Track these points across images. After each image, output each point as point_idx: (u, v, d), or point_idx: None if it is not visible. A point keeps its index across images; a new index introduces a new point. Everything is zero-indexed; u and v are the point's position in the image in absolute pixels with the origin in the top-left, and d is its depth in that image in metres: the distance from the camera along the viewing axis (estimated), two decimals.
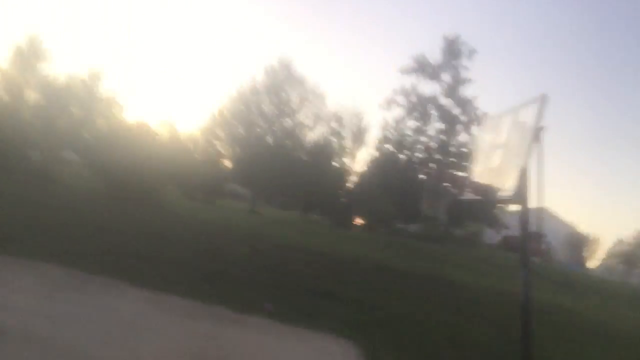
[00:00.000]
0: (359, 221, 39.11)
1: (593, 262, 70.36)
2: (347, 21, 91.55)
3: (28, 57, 23.22)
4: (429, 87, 34.12)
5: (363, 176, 36.10)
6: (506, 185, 4.78)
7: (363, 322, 7.29)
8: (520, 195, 4.44)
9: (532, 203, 4.68)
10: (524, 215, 4.57)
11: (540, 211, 5.08)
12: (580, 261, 55.27)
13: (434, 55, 33.52)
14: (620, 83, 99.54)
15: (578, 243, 55.61)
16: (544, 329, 10.34)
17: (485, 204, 33.71)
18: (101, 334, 5.65)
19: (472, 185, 5.35)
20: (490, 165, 5.31)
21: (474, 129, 30.92)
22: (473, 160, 5.90)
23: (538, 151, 4.75)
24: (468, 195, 5.57)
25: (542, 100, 4.54)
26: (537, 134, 4.60)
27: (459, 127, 33.28)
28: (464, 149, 32.14)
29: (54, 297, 5.80)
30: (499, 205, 5.58)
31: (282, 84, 31.85)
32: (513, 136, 5.05)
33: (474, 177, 5.52)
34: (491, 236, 38.59)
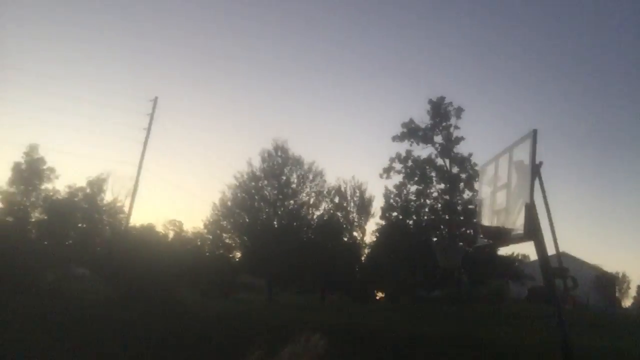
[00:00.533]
0: (379, 294, 38.22)
1: (626, 301, 68.04)
2: (334, 96, 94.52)
3: (30, 177, 23.81)
4: (423, 151, 34.52)
5: (373, 247, 35.75)
6: (516, 224, 4.73)
7: None
8: (531, 231, 4.38)
9: (546, 239, 4.62)
10: (541, 251, 4.49)
11: (559, 252, 4.97)
12: (613, 302, 53.38)
13: (423, 119, 34.26)
14: (627, 107, 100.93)
15: (608, 284, 53.96)
16: None
17: (503, 261, 33.22)
18: None
19: (483, 230, 5.29)
20: (497, 208, 5.28)
21: (476, 184, 31.00)
22: (479, 206, 5.88)
23: (540, 186, 4.76)
24: (480, 242, 5.50)
25: (534, 136, 4.59)
26: (535, 169, 4.62)
27: (460, 185, 33.35)
28: (470, 206, 32.03)
29: None
30: (512, 244, 5.51)
31: (280, 166, 32.29)
32: (513, 175, 5.07)
33: (483, 222, 5.47)
34: (517, 290, 37.57)
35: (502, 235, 4.94)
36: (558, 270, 4.84)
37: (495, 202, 5.40)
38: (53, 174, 27.05)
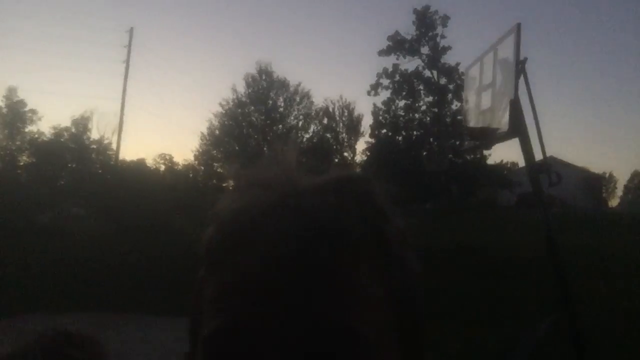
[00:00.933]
0: None
1: (614, 200, 70.05)
2: (316, 13, 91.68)
3: (12, 121, 23.41)
4: (410, 64, 33.99)
5: (364, 166, 36.09)
6: (501, 122, 4.71)
7: None
8: (515, 127, 4.36)
9: (531, 136, 4.62)
10: (526, 146, 4.49)
11: (544, 148, 4.97)
12: (601, 201, 54.93)
13: (409, 30, 33.48)
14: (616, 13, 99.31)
15: (594, 184, 55.25)
16: (578, 270, 10.24)
17: (492, 170, 33.68)
18: None
19: (469, 131, 5.29)
20: (482, 109, 5.24)
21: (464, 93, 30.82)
22: (465, 108, 5.84)
23: (525, 82, 4.70)
24: (467, 144, 5.51)
25: (517, 30, 4.47)
26: (519, 65, 4.54)
27: (449, 95, 33.16)
28: (459, 117, 32.05)
29: None
30: (497, 142, 5.54)
31: (265, 90, 31.84)
32: (498, 74, 4.98)
33: (469, 124, 5.45)
34: (507, 197, 38.42)
35: (488, 135, 4.94)
36: (542, 166, 4.87)
37: (481, 102, 5.35)
38: (36, 115, 26.63)
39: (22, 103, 26.19)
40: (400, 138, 34.41)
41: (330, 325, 0.42)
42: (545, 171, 4.85)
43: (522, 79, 4.67)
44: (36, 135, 23.45)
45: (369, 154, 35.72)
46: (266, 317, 0.42)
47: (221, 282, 0.46)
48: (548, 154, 5.01)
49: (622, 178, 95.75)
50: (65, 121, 26.32)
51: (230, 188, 0.53)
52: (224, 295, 0.45)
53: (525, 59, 4.69)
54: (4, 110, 25.26)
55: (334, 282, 0.43)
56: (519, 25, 4.44)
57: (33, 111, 26.47)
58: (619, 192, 73.64)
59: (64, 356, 0.69)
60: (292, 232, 0.44)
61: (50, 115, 65.49)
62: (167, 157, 29.25)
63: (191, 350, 0.50)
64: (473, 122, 5.41)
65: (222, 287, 0.45)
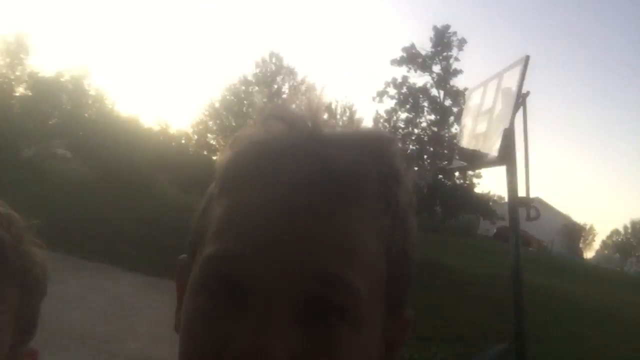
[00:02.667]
0: None
1: (589, 252, 70.86)
2: (336, 15, 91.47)
3: (16, 51, 23.10)
4: (420, 79, 34.02)
5: None
6: (492, 148, 4.79)
7: None
8: (505, 156, 4.44)
9: (519, 165, 4.70)
10: (511, 176, 4.58)
11: (529, 181, 5.05)
12: (576, 250, 55.52)
13: (425, 45, 33.52)
14: (614, 71, 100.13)
15: (574, 232, 55.84)
16: (540, 309, 10.41)
17: (479, 198, 33.90)
18: (99, 312, 5.68)
19: (459, 151, 5.37)
20: (477, 132, 5.33)
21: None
22: (460, 128, 5.93)
23: (523, 116, 4.78)
24: (456, 163, 5.60)
25: (525, 62, 4.54)
26: (520, 97, 4.61)
27: (450, 118, 33.29)
28: (456, 141, 32.15)
29: (52, 281, 5.87)
30: (485, 167, 5.55)
31: (273, 74, 31.75)
32: (498, 102, 5.06)
33: (462, 144, 5.54)
34: (487, 227, 38.70)
35: (477, 158, 5.02)
36: (524, 199, 4.94)
37: (477, 126, 5.43)
38: (38, 49, 26.31)
39: (29, 36, 25.97)
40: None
41: (326, 274, 0.43)
42: (525, 205, 4.94)
43: (520, 112, 4.76)
44: (37, 70, 23.23)
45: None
46: (268, 250, 0.42)
47: (231, 208, 0.46)
48: (534, 195, 5.10)
49: (601, 233, 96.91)
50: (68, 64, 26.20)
51: (254, 118, 0.52)
52: (231, 222, 0.45)
53: (528, 93, 4.76)
54: (11, 39, 25.00)
55: (337, 233, 0.44)
56: (527, 58, 4.51)
57: (36, 45, 26.24)
58: (596, 245, 74.50)
59: None
60: (308, 177, 0.44)
61: (52, 62, 65.05)
62: (162, 120, 29.11)
63: (187, 260, 0.51)
64: (466, 143, 5.49)
65: (231, 213, 0.46)
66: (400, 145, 0.52)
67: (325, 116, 0.50)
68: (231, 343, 0.42)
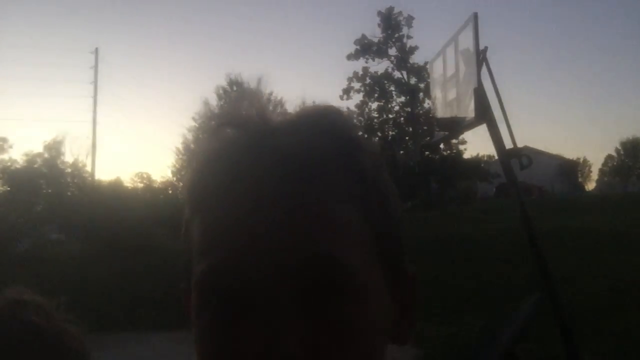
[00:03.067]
0: None
1: (590, 184, 71.37)
2: (284, 21, 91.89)
3: None
4: (379, 66, 34.25)
5: None
6: (468, 111, 4.84)
7: None
8: (482, 114, 4.49)
9: (498, 120, 4.74)
10: (494, 131, 4.61)
11: (511, 132, 5.08)
12: (578, 186, 55.90)
13: (375, 33, 33.76)
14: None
15: (570, 170, 56.23)
16: (558, 251, 10.45)
17: (470, 163, 34.09)
18: None
19: (438, 123, 5.41)
20: (449, 100, 5.37)
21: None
22: (432, 101, 5.96)
23: (488, 71, 4.83)
24: (437, 135, 5.63)
25: (475, 20, 4.60)
26: (480, 54, 4.67)
27: (420, 95, 33.49)
28: (431, 114, 32.34)
29: None
30: (466, 130, 5.57)
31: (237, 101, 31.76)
32: (460, 64, 5.11)
33: (437, 115, 5.58)
34: (485, 188, 38.88)
35: (456, 124, 5.06)
36: (512, 150, 4.98)
37: (447, 94, 5.48)
38: (6, 143, 26.09)
39: None
40: (376, 139, 34.64)
41: (315, 258, 0.43)
42: (515, 155, 4.97)
43: (484, 68, 4.81)
44: (8, 164, 23.08)
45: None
46: (253, 256, 0.43)
47: (206, 224, 0.46)
48: (522, 144, 5.13)
49: (596, 162, 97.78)
50: (37, 147, 26.03)
51: (204, 130, 0.54)
52: (212, 236, 0.46)
53: (486, 48, 4.82)
54: None
55: (313, 216, 0.44)
56: (475, 15, 4.57)
57: (3, 139, 26.03)
58: (595, 175, 75.06)
59: (21, 322, 0.69)
60: (269, 172, 0.45)
61: (22, 142, 64.53)
62: (145, 176, 29.03)
63: (186, 286, 0.51)
64: (441, 113, 5.54)
65: (209, 228, 0.46)
66: (348, 114, 0.53)
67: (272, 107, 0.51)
68: (243, 352, 0.42)
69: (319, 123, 0.49)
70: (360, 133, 0.52)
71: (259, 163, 0.45)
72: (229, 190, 0.45)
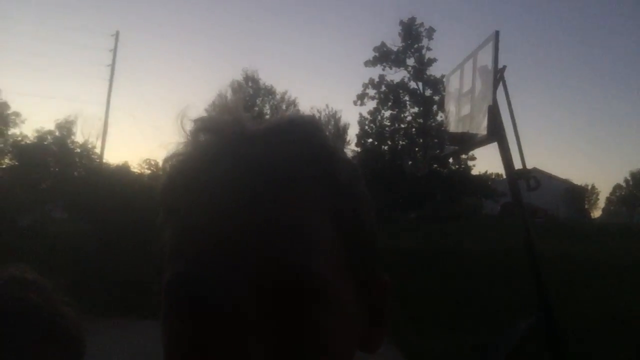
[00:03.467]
0: None
1: (596, 212, 70.97)
2: (304, 24, 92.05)
3: None
4: (396, 75, 34.32)
5: None
6: (480, 128, 4.82)
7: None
8: (494, 132, 4.47)
9: (509, 139, 4.73)
10: (504, 151, 4.60)
11: (522, 153, 5.07)
12: (583, 212, 55.59)
13: (395, 41, 33.83)
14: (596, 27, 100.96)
15: (577, 195, 55.94)
16: (558, 275, 10.39)
17: (477, 180, 34.03)
18: None
19: (449, 137, 5.40)
20: (462, 115, 5.36)
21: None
22: (446, 115, 5.96)
23: (504, 90, 4.82)
24: (447, 149, 5.63)
25: (496, 38, 4.60)
26: (497, 72, 4.66)
27: (434, 107, 33.49)
28: (444, 128, 32.30)
29: None
30: (477, 147, 5.55)
31: (251, 97, 31.90)
32: (477, 81, 5.11)
33: (449, 129, 5.57)
34: (491, 207, 38.78)
35: (467, 140, 5.05)
36: (521, 171, 4.96)
37: (461, 109, 5.47)
38: (19, 118, 26.29)
39: (5, 105, 25.96)
40: (385, 147, 34.64)
41: (284, 267, 0.43)
42: (524, 176, 4.95)
43: (501, 87, 4.80)
44: (19, 138, 23.21)
45: (354, 162, 35.78)
46: (220, 264, 0.43)
47: (177, 229, 0.47)
48: (531, 165, 5.11)
49: (604, 190, 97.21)
50: (49, 124, 26.20)
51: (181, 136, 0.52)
52: (180, 242, 0.46)
53: (504, 67, 4.82)
54: None
55: (283, 224, 0.44)
56: (496, 33, 4.56)
57: (16, 114, 26.21)
58: (601, 203, 74.65)
59: (20, 300, 0.69)
60: (241, 179, 0.45)
61: (34, 118, 65.05)
62: (153, 163, 29.08)
63: (159, 290, 0.51)
64: (453, 127, 5.53)
65: (178, 234, 0.46)
66: (321, 121, 0.52)
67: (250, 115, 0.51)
68: (210, 356, 0.42)
69: (294, 132, 0.49)
70: (333, 143, 0.52)
71: (232, 170, 0.45)
72: (200, 197, 0.45)
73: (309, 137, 0.50)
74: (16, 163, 21.20)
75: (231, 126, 0.49)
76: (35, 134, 22.17)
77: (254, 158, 0.46)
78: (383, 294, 0.54)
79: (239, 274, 0.42)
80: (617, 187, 70.97)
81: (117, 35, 27.78)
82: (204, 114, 0.52)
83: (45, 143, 21.87)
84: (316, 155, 0.49)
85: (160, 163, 0.55)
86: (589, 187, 67.37)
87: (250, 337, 0.41)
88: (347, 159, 0.52)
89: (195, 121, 0.51)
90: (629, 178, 67.42)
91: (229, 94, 0.54)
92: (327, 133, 0.52)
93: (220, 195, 0.45)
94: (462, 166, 33.30)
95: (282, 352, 0.42)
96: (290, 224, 0.44)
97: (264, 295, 0.42)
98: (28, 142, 21.94)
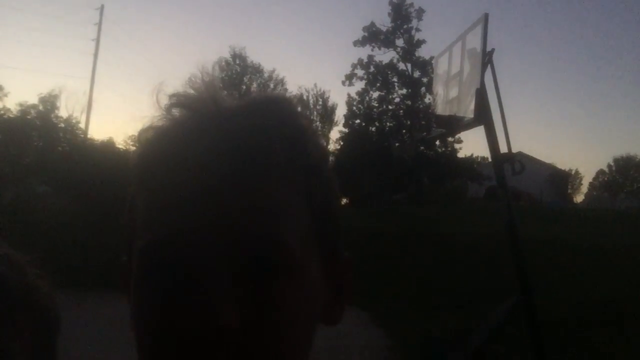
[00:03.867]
0: (344, 200, 39.20)
1: (579, 197, 71.93)
2: (291, 2, 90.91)
3: None
4: (385, 56, 34.14)
5: (337, 155, 36.18)
6: (467, 111, 4.83)
7: (367, 290, 7.32)
8: (481, 116, 4.48)
9: (496, 123, 4.74)
10: (491, 134, 4.62)
11: (508, 137, 5.09)
12: (566, 197, 56.28)
13: (384, 22, 33.58)
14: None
15: (561, 180, 56.55)
16: (539, 259, 10.56)
17: (463, 162, 34.24)
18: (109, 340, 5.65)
19: (436, 119, 5.41)
20: (450, 98, 5.37)
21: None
22: (434, 97, 5.96)
23: (492, 73, 4.81)
24: (434, 131, 5.64)
25: (485, 20, 4.58)
26: (486, 55, 4.65)
27: (422, 89, 33.45)
28: (431, 110, 32.30)
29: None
30: (464, 130, 5.57)
31: (239, 75, 31.57)
32: (465, 64, 5.10)
33: (437, 111, 5.57)
34: (475, 190, 39.09)
35: (454, 123, 5.06)
36: (506, 155, 4.98)
37: (449, 92, 5.47)
38: (1, 91, 25.80)
39: None
40: (373, 129, 34.62)
41: (258, 238, 0.45)
42: (509, 160, 4.98)
43: (489, 70, 4.79)
44: (2, 112, 22.81)
45: (342, 143, 35.83)
46: (197, 232, 0.44)
47: (153, 198, 0.48)
48: (516, 149, 5.13)
49: (587, 175, 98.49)
50: (32, 98, 25.72)
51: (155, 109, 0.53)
52: (157, 211, 0.47)
53: (493, 50, 4.80)
54: None
55: (257, 198, 0.46)
56: (486, 16, 4.54)
57: None
58: (584, 189, 75.61)
59: None
60: (216, 154, 0.46)
61: (17, 92, 63.97)
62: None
63: (128, 259, 0.52)
64: (441, 109, 5.53)
65: (154, 203, 0.47)
66: (297, 102, 0.55)
67: (299, 109, 0.53)
68: (181, 321, 0.43)
69: (269, 109, 0.50)
70: (307, 121, 0.53)
71: (207, 144, 0.46)
72: (176, 169, 0.46)
73: (284, 115, 0.51)
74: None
75: (206, 103, 0.50)
76: (18, 108, 21.78)
77: (228, 133, 0.47)
78: (345, 270, 0.56)
79: (214, 241, 0.44)
80: (601, 172, 71.84)
81: (101, 9, 27.27)
82: (181, 90, 0.53)
83: (29, 117, 21.51)
84: (290, 133, 0.50)
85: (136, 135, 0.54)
86: (573, 172, 68.15)
87: (221, 301, 0.42)
88: (319, 140, 0.54)
89: (171, 96, 0.52)
90: (612, 164, 68.26)
91: (212, 71, 0.54)
92: (302, 112, 0.54)
93: (196, 167, 0.46)
94: (449, 149, 33.43)
95: (251, 317, 0.44)
96: (262, 196, 0.46)
97: (237, 262, 0.44)
98: (11, 115, 21.55)
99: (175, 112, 0.51)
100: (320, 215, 0.51)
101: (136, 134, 0.54)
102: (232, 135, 0.47)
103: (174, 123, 0.50)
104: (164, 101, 0.52)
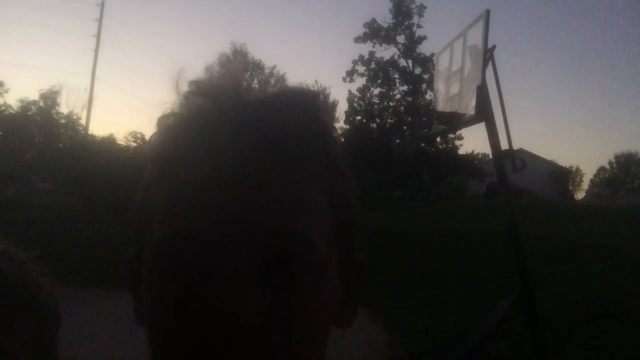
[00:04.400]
0: None
1: (579, 193, 71.93)
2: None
3: None
4: (386, 52, 34.13)
5: None
6: (468, 108, 4.82)
7: (369, 283, 7.34)
8: (482, 112, 4.47)
9: (497, 120, 4.73)
10: (492, 131, 4.61)
11: (509, 133, 5.08)
12: (567, 194, 56.27)
13: (385, 18, 33.53)
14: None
15: (562, 177, 56.55)
16: (540, 257, 10.56)
17: (464, 159, 34.19)
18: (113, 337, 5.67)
19: (437, 116, 5.40)
20: (451, 94, 5.35)
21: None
22: (435, 94, 5.95)
23: (493, 69, 4.80)
24: (435, 128, 5.63)
25: (486, 16, 4.56)
26: (487, 52, 4.63)
27: (423, 86, 33.41)
28: (432, 106, 32.27)
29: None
30: (465, 127, 5.59)
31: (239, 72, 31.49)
32: (466, 60, 5.08)
33: (438, 108, 5.56)
34: (476, 187, 39.07)
35: (455, 119, 5.05)
36: (507, 151, 4.97)
37: (450, 88, 5.46)
38: (2, 87, 25.84)
39: None
40: (374, 125, 34.60)
41: (279, 232, 0.43)
42: (510, 157, 4.97)
43: (490, 67, 4.78)
44: (3, 108, 22.81)
45: (342, 139, 35.68)
46: (218, 225, 0.43)
47: (173, 189, 0.46)
48: (517, 146, 5.13)
49: (588, 172, 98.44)
50: (33, 95, 25.70)
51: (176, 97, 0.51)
52: (177, 202, 0.45)
53: (494, 47, 4.79)
54: None
55: (281, 192, 0.44)
56: (487, 12, 4.52)
57: (0, 83, 25.76)
58: (585, 185, 75.60)
59: None
60: (239, 145, 0.44)
61: (18, 88, 63.90)
62: (139, 135, 28.82)
63: (137, 251, 0.51)
64: (442, 106, 5.52)
65: (175, 194, 0.45)
66: (322, 98, 0.53)
67: (255, 83, 0.52)
68: (201, 317, 0.42)
69: (294, 103, 0.49)
70: (331, 119, 0.53)
71: (231, 135, 0.45)
72: (198, 159, 0.45)
73: (310, 110, 0.50)
74: (0, 133, 20.89)
75: (229, 91, 0.49)
76: (19, 104, 21.78)
77: (252, 124, 0.45)
78: (358, 272, 0.55)
79: (237, 235, 0.43)
80: (602, 169, 71.83)
81: (102, 5, 27.15)
82: (201, 77, 0.51)
83: (30, 113, 21.51)
84: (315, 129, 0.49)
85: (147, 136, 0.53)
86: (574, 169, 68.15)
87: (242, 297, 0.41)
88: (339, 139, 0.53)
89: (191, 83, 0.50)
90: (613, 161, 68.27)
91: (234, 59, 0.52)
92: (326, 108, 0.52)
93: (218, 159, 0.44)
94: (450, 146, 33.42)
95: (272, 315, 0.42)
96: (287, 191, 0.45)
97: (260, 258, 0.43)
98: (12, 111, 21.55)
99: (196, 99, 0.49)
100: (340, 214, 0.50)
101: (145, 133, 0.53)
102: (256, 126, 0.45)
103: (195, 112, 0.48)
104: (184, 88, 0.50)
